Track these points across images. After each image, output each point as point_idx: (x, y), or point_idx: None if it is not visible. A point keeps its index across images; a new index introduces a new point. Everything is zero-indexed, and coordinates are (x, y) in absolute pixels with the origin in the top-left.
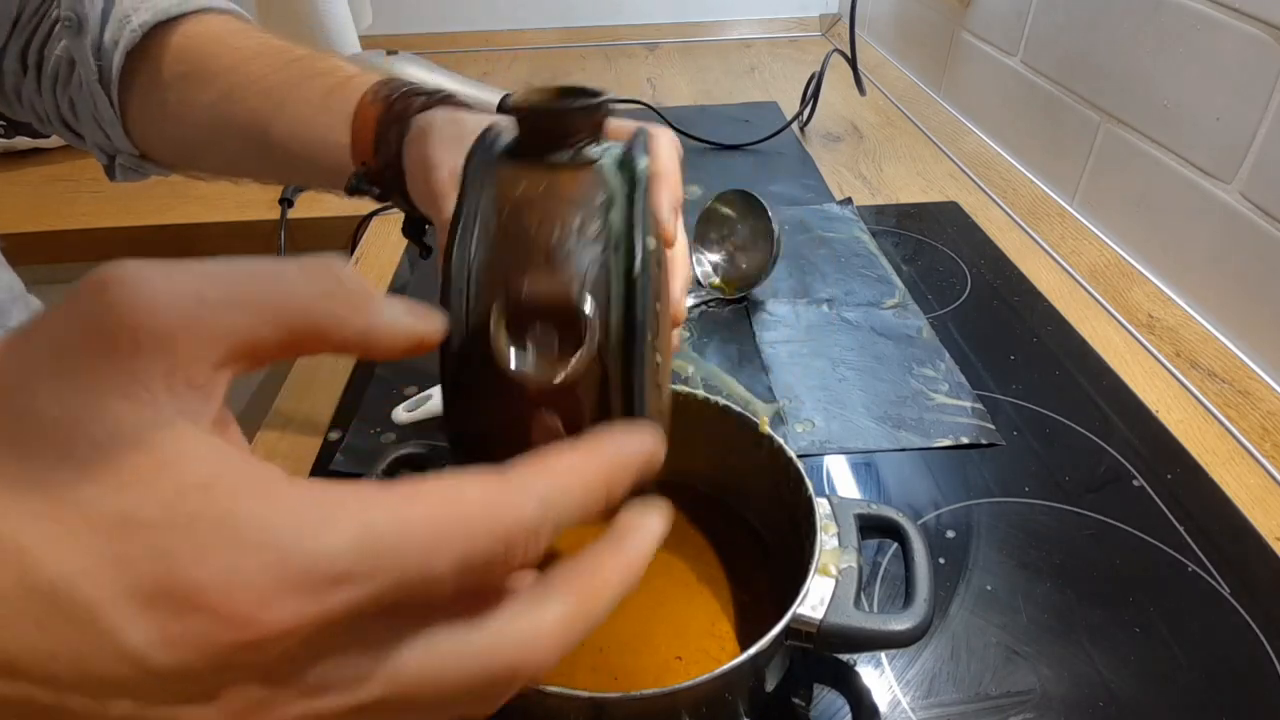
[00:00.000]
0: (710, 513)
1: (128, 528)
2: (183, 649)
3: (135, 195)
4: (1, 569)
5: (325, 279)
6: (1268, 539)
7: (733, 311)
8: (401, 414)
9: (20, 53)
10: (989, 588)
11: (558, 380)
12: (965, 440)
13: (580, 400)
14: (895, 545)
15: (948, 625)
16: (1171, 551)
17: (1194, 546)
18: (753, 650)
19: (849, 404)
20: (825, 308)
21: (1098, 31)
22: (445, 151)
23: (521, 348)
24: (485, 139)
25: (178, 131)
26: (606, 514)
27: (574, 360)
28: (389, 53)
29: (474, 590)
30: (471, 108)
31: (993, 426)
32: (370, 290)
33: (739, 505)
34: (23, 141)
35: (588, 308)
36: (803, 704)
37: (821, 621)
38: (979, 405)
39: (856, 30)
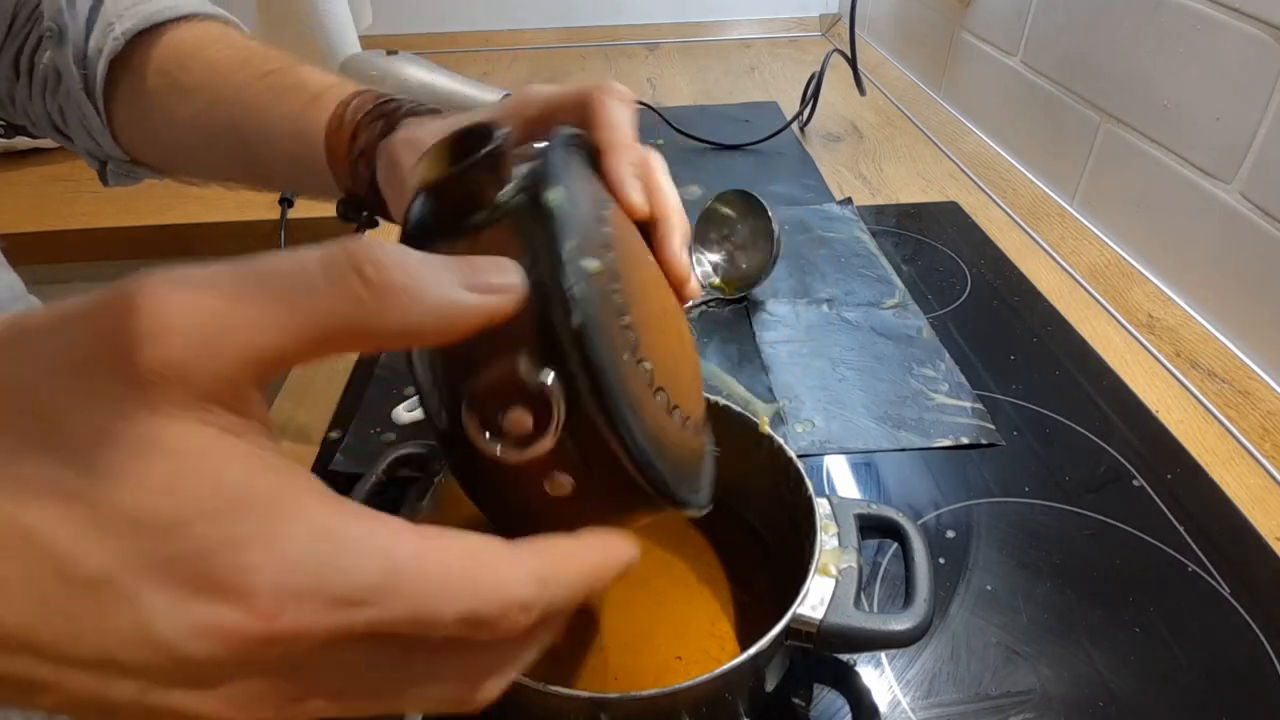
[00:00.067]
0: (710, 513)
1: (168, 528)
2: (210, 639)
3: (135, 195)
4: (35, 562)
5: (352, 283)
6: (1268, 539)
7: (733, 311)
8: (401, 414)
9: (14, 58)
10: (989, 588)
11: (539, 453)
12: (965, 440)
13: (573, 449)
14: (895, 545)
15: (948, 625)
16: (1171, 551)
17: (1194, 546)
18: (753, 650)
19: (849, 404)
20: (825, 308)
21: (1098, 31)
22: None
23: (497, 433)
24: (409, 223)
25: (165, 140)
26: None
27: (549, 430)
28: (389, 53)
29: (462, 639)
30: (437, 111)
31: (993, 426)
32: (407, 282)
33: (739, 505)
34: (23, 141)
35: (545, 377)
36: (803, 704)
37: (821, 621)
38: (979, 405)
39: (856, 30)
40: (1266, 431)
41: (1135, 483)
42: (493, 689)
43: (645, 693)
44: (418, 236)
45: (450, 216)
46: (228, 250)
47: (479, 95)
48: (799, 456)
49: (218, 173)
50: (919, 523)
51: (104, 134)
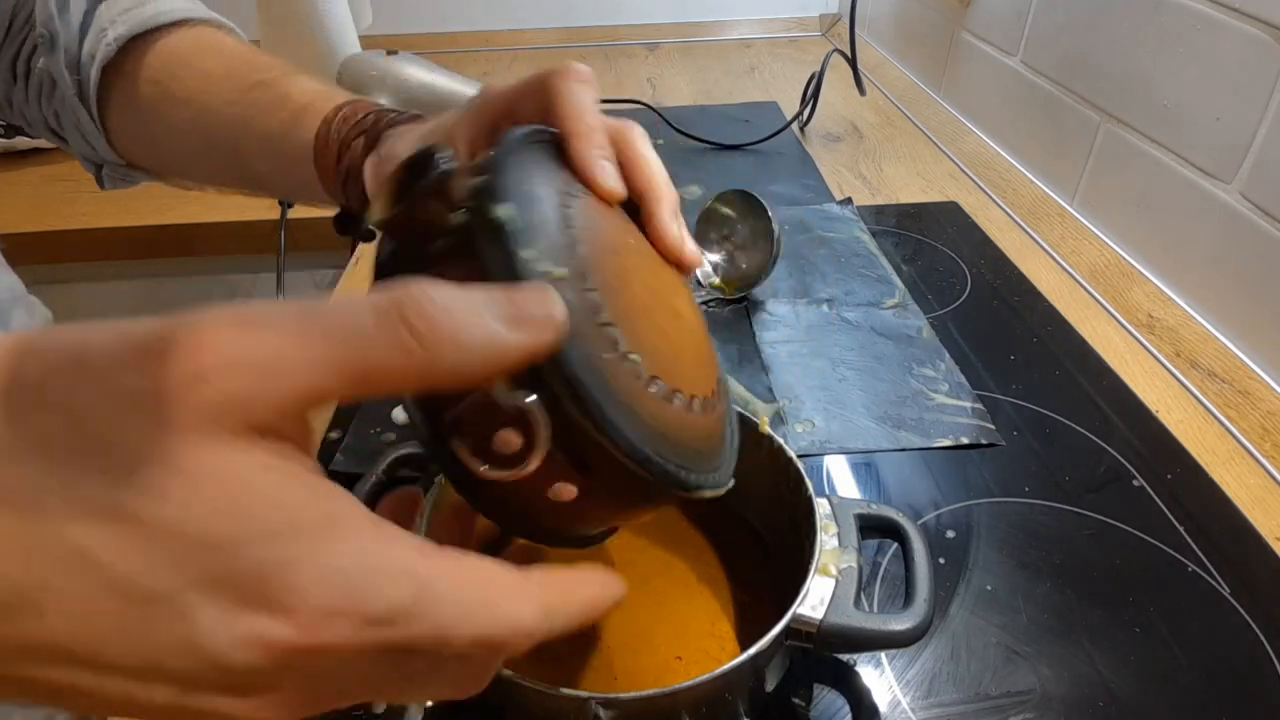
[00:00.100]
0: (710, 513)
1: (223, 549)
2: (254, 650)
3: (135, 195)
4: (90, 580)
5: (402, 334)
6: (1268, 539)
7: (733, 311)
8: (401, 414)
9: (11, 61)
10: (989, 588)
11: (527, 472)
12: (965, 440)
13: (569, 460)
14: (895, 545)
15: (948, 625)
16: (1171, 551)
17: (1194, 546)
18: (753, 650)
19: (849, 404)
20: (825, 308)
21: (1098, 31)
22: None
23: (486, 457)
24: (378, 262)
25: (159, 147)
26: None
27: (535, 449)
28: (389, 53)
29: (469, 655)
30: (419, 117)
31: (993, 426)
32: (453, 332)
33: (739, 505)
34: (23, 141)
35: (524, 399)
36: (803, 704)
37: (821, 621)
38: (979, 405)
39: (856, 30)
40: (1266, 431)
41: (1135, 483)
42: (482, 685)
43: (645, 693)
44: (388, 276)
45: (413, 249)
46: (227, 250)
47: None
48: (799, 456)
49: (213, 179)
50: (919, 523)
51: (99, 139)
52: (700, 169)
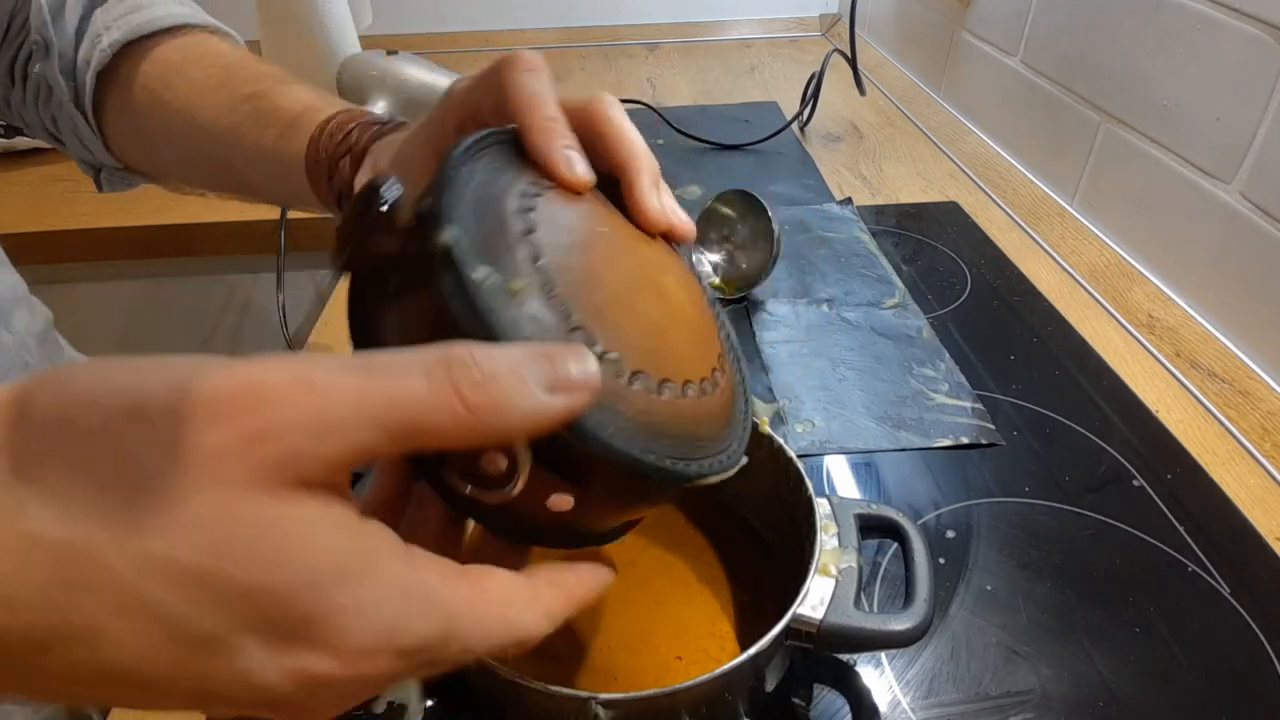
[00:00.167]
0: (710, 513)
1: (273, 596)
2: (298, 680)
3: (135, 195)
4: (151, 625)
5: (452, 402)
6: (1268, 539)
7: (733, 311)
8: None
9: (9, 64)
10: (989, 588)
11: (516, 492)
12: (965, 440)
13: (557, 475)
14: (895, 545)
15: (948, 625)
16: (1171, 551)
17: (1194, 546)
18: (753, 650)
19: (849, 404)
20: (825, 308)
21: (1098, 31)
22: None
23: (474, 480)
24: (349, 303)
25: (155, 153)
26: None
27: (519, 469)
28: (389, 53)
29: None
30: (404, 124)
31: (993, 426)
32: (500, 400)
33: (739, 505)
34: (23, 141)
35: None
36: (803, 704)
37: (821, 621)
38: (979, 405)
39: (856, 30)
40: (1266, 431)
41: (1135, 483)
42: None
43: (645, 693)
44: (357, 315)
45: (375, 287)
46: (228, 250)
47: None
48: (799, 456)
49: (208, 185)
50: (919, 523)
51: (96, 143)
52: (700, 169)
